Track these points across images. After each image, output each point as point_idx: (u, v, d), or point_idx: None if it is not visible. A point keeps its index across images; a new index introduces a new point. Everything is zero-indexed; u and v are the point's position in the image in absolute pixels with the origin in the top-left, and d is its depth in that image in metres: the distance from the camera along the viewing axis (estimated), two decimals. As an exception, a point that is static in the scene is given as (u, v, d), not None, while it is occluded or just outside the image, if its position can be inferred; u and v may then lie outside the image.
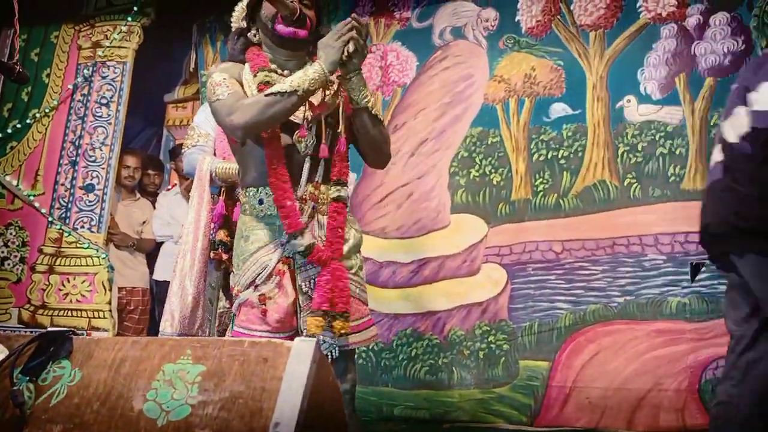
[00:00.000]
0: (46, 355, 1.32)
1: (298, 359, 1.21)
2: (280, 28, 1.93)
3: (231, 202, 2.55)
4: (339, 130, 1.95)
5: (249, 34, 2.02)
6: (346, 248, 1.96)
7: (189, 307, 2.47)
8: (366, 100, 1.91)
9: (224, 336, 2.49)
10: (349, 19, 1.83)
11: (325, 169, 1.96)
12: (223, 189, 2.58)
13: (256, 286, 1.90)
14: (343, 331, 1.84)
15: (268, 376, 1.22)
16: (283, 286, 1.90)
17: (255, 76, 1.94)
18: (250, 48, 2.02)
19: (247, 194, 1.99)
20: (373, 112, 1.94)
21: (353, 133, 2.01)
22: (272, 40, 1.98)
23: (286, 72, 1.97)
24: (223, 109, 1.89)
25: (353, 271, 1.97)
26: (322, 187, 1.95)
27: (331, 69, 1.83)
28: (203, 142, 2.70)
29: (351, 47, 1.81)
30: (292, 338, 1.88)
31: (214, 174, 2.56)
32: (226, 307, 2.53)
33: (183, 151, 2.76)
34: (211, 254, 2.54)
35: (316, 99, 1.95)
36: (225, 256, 2.50)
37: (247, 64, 1.99)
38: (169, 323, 2.47)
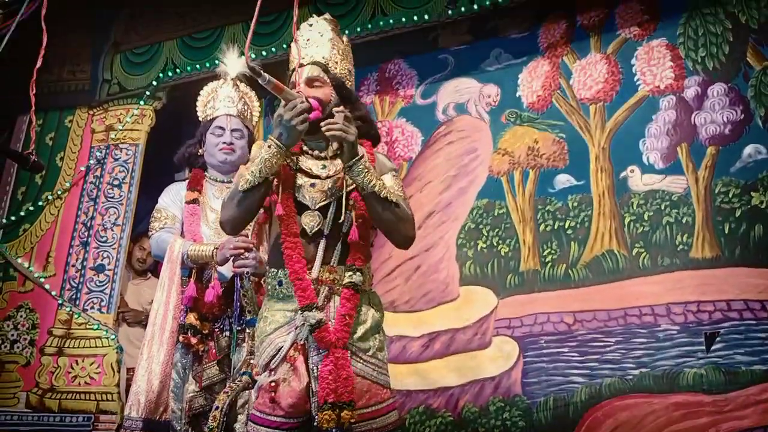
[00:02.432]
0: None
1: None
2: None
3: (201, 285, 2.53)
4: (342, 217, 1.95)
5: None
6: (362, 330, 1.93)
7: (155, 391, 2.44)
8: (371, 185, 1.88)
9: (196, 421, 2.45)
10: (302, 98, 1.87)
11: (342, 252, 1.95)
12: (194, 271, 2.56)
13: (271, 370, 1.89)
14: (352, 421, 1.79)
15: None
16: (297, 369, 1.87)
17: None
18: None
19: (269, 275, 2.00)
20: (382, 195, 1.89)
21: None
22: None
23: (323, 154, 2.03)
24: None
25: (370, 353, 1.92)
26: (339, 270, 1.94)
27: (289, 144, 1.88)
28: (170, 224, 2.66)
29: (334, 145, 1.83)
30: (304, 423, 1.86)
31: (185, 257, 2.53)
32: (196, 391, 2.49)
33: (150, 234, 2.73)
34: (180, 338, 2.51)
35: (333, 182, 1.98)
36: (194, 340, 2.49)
37: None
38: (134, 408, 2.43)
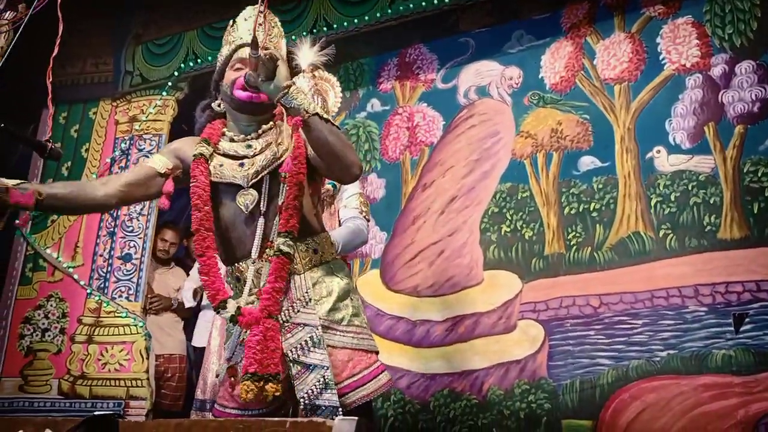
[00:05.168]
0: (92, 439, 1.33)
1: (341, 439, 1.20)
2: (238, 93, 1.90)
3: None
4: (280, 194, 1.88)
5: (214, 104, 2.02)
6: (330, 302, 1.86)
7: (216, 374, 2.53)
8: (312, 106, 1.77)
9: None
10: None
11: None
12: None
13: (228, 359, 1.88)
14: (276, 394, 1.71)
15: (312, 457, 1.21)
16: None
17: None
18: (214, 121, 2.02)
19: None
20: (325, 116, 1.78)
21: (309, 164, 1.91)
22: (232, 106, 1.96)
23: (249, 137, 1.95)
24: None
25: (345, 322, 1.86)
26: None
27: None
28: None
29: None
30: (272, 413, 1.80)
31: None
32: None
33: None
34: None
35: (264, 158, 1.91)
36: None
37: None
38: (200, 390, 2.55)
